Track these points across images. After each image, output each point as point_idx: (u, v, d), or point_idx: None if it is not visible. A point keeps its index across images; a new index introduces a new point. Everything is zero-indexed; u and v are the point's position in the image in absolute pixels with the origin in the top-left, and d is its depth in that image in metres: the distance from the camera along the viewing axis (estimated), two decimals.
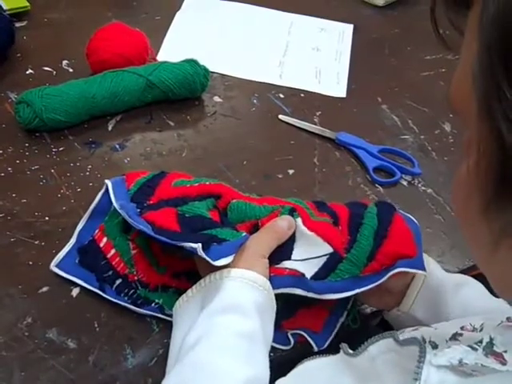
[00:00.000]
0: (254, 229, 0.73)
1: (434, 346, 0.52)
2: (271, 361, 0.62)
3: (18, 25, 1.12)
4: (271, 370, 0.61)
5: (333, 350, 0.68)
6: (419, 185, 0.98)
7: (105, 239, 0.77)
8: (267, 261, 0.68)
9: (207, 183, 0.78)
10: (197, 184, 0.77)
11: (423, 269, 0.70)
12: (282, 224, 0.71)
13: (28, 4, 1.15)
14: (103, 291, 0.74)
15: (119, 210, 0.73)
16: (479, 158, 0.36)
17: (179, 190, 0.77)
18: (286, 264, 0.70)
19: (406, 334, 0.59)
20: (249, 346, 0.61)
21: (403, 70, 1.21)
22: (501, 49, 0.32)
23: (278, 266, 0.70)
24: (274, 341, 0.70)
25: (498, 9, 0.33)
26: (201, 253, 0.64)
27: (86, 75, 1.00)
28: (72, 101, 0.93)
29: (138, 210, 0.74)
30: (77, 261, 0.76)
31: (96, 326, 0.73)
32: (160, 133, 1.00)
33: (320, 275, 0.70)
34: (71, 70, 1.07)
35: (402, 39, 1.29)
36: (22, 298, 0.75)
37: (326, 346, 0.73)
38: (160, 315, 0.74)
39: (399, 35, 1.30)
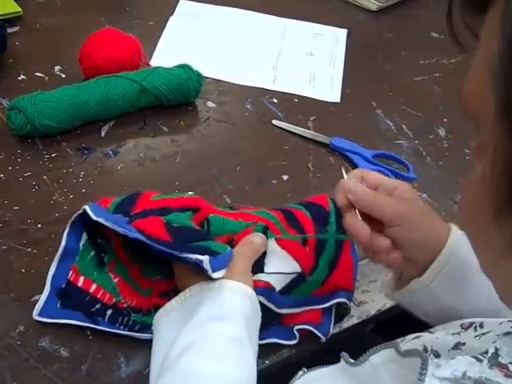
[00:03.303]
0: (229, 243, 0.75)
1: (437, 355, 0.52)
2: (265, 368, 0.62)
3: (10, 30, 1.11)
4: (266, 378, 0.61)
5: (332, 359, 0.67)
6: (414, 190, 0.98)
7: (82, 278, 0.75)
8: (251, 274, 0.72)
9: (185, 197, 0.80)
10: (175, 197, 0.79)
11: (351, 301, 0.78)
12: (257, 240, 0.75)
13: (20, 9, 1.15)
14: (97, 324, 0.72)
15: (105, 223, 0.71)
16: (494, 160, 0.36)
17: (160, 202, 0.78)
18: (261, 276, 0.73)
19: (408, 343, 0.58)
20: (239, 351, 0.62)
21: (397, 75, 1.21)
22: None
23: (253, 278, 0.73)
24: (278, 337, 0.74)
25: None
26: (207, 265, 0.66)
27: (78, 81, 0.99)
28: (64, 106, 0.92)
29: (127, 219, 0.73)
30: (58, 305, 0.73)
31: (89, 334, 0.72)
32: (153, 138, 0.99)
33: (285, 291, 0.75)
34: (64, 76, 1.06)
35: (395, 44, 1.28)
36: (14, 305, 0.74)
37: (330, 334, 0.76)
38: None
39: (393, 40, 1.30)
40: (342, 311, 0.79)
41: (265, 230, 0.77)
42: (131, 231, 0.70)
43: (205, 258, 0.66)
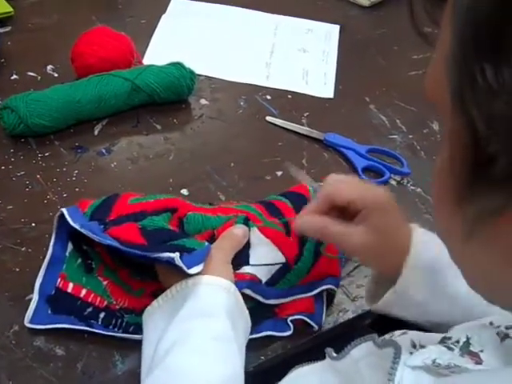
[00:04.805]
0: (211, 238, 0.76)
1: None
2: (260, 364, 0.62)
3: (1, 30, 1.11)
4: (260, 374, 0.61)
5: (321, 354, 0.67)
6: (408, 184, 0.98)
7: (71, 284, 0.74)
8: (231, 266, 0.72)
9: (162, 198, 0.80)
10: (152, 200, 0.79)
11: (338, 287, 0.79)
12: (238, 232, 0.75)
13: (12, 9, 1.14)
14: (91, 327, 0.72)
15: (80, 229, 0.71)
16: (453, 147, 0.36)
17: (136, 206, 0.78)
18: (247, 269, 0.74)
19: (397, 338, 0.58)
20: (225, 348, 0.63)
21: (390, 70, 1.21)
22: (473, 37, 0.32)
23: (238, 271, 0.73)
24: (273, 330, 0.75)
25: None
26: (178, 262, 0.66)
27: (70, 80, 0.99)
28: (57, 106, 0.92)
29: (102, 227, 0.73)
30: (49, 311, 0.73)
31: (84, 332, 0.72)
32: (147, 136, 0.99)
33: (271, 281, 0.76)
34: (56, 75, 1.06)
35: (388, 39, 1.28)
36: (8, 305, 0.74)
37: (322, 323, 0.77)
38: None
39: (386, 35, 1.29)
40: (330, 298, 0.80)
41: (246, 221, 0.77)
42: (105, 238, 0.70)
43: (175, 255, 0.66)
